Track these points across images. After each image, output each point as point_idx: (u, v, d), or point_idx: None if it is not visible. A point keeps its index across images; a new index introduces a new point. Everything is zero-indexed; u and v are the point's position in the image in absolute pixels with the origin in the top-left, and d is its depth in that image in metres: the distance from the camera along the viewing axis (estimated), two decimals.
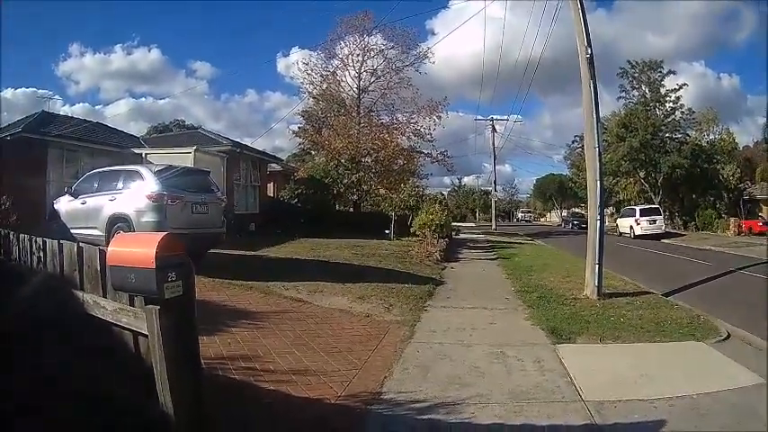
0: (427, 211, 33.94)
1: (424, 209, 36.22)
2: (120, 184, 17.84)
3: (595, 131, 18.10)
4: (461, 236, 54.56)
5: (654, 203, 63.77)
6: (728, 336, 13.08)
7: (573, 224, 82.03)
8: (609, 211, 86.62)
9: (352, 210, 53.86)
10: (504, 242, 47.96)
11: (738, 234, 56.25)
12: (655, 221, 53.75)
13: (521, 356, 11.11)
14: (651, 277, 23.28)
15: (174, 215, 16.81)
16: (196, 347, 5.46)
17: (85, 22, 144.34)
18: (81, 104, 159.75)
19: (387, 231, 41.09)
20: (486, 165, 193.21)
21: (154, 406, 5.12)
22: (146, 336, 5.16)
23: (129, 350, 5.54)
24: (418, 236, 32.29)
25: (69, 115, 42.15)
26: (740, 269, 27.21)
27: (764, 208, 66.35)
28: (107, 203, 17.47)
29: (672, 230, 60.64)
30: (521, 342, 12.31)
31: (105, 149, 31.80)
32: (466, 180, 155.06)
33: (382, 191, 48.79)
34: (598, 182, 18.04)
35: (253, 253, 24.34)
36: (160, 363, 5.00)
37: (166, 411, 5.04)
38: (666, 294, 18.72)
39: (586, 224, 68.16)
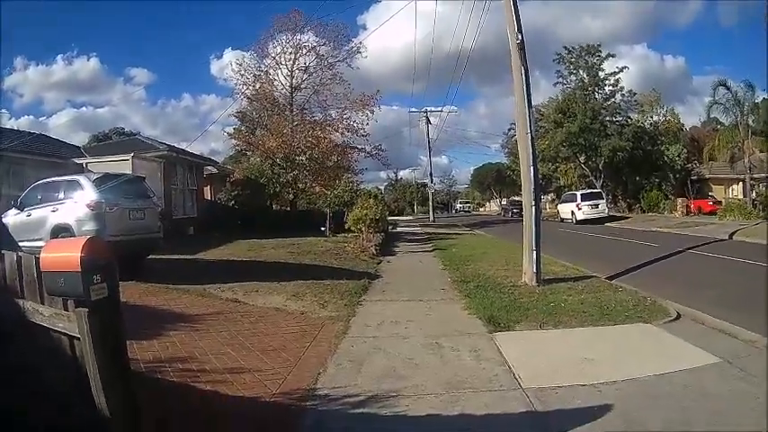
0: (361, 206, 33.68)
1: (358, 204, 35.97)
2: (61, 195, 18.11)
3: (528, 117, 18.03)
4: (398, 229, 54.94)
5: (595, 188, 64.04)
6: (678, 316, 13.10)
7: (513, 212, 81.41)
8: (549, 197, 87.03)
9: (288, 209, 53.29)
10: (441, 233, 48.32)
11: (687, 214, 56.93)
12: (597, 206, 54.11)
13: (457, 346, 11.07)
14: (594, 261, 23.45)
15: (113, 222, 17.18)
16: (124, 348, 5.54)
17: (28, 34, 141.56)
18: (26, 117, 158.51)
19: (323, 228, 40.87)
20: (422, 157, 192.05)
21: (92, 407, 5.17)
22: (79, 338, 5.22)
23: (67, 354, 5.56)
24: (354, 231, 32.66)
25: (15, 128, 41.51)
26: (689, 248, 27.59)
27: (714, 187, 67.04)
28: (50, 214, 17.72)
29: (616, 214, 61.37)
30: (457, 332, 12.27)
31: (49, 161, 31.38)
32: (402, 173, 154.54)
33: (318, 188, 48.44)
34: (532, 167, 18.04)
35: (190, 257, 24.08)
36: (92, 364, 5.07)
37: (102, 411, 5.10)
38: (610, 278, 18.82)
39: None
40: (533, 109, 18.94)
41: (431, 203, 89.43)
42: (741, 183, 60.24)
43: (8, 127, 42.27)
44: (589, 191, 59.47)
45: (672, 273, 20.93)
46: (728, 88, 54.40)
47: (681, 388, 8.36)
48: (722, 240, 30.55)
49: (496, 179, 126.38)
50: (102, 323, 5.07)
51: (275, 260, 24.30)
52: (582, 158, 71.47)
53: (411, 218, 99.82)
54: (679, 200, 61.86)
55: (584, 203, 54.11)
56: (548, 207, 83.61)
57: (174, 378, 8.92)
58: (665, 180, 68.65)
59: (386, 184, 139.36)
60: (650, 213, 62.90)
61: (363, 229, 31.02)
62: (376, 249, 29.37)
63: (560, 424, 7.24)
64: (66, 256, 5.01)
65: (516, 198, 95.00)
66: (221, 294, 16.01)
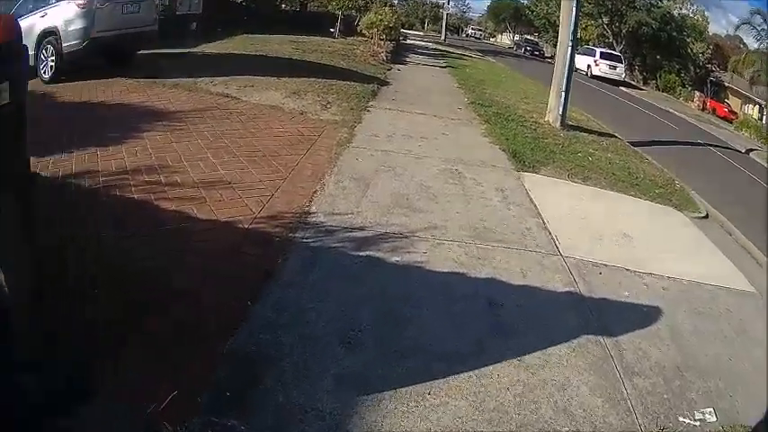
0: (376, 12, 31.99)
1: (372, 10, 34.12)
2: (51, 0, 16.16)
3: None
4: (409, 41, 51.45)
5: (615, 51, 62.16)
6: (707, 215, 11.73)
7: (526, 49, 78.01)
8: None
9: (298, 9, 50.48)
10: (453, 53, 45.01)
11: (702, 110, 54.96)
12: (615, 67, 51.58)
13: (480, 180, 9.80)
14: (613, 120, 21.65)
15: (103, 18, 15.64)
16: (24, 183, 3.61)
17: None
18: None
19: (332, 30, 38.83)
20: None
21: None
22: None
23: None
24: (365, 36, 30.80)
25: None
26: (709, 145, 25.32)
27: (731, 97, 65.70)
28: (38, 21, 15.86)
29: (631, 81, 59.33)
30: (479, 162, 10.96)
31: None
32: None
33: None
34: (574, 7, 16.97)
35: (188, 50, 21.89)
36: None
37: None
38: (633, 144, 17.33)
39: (539, 52, 67.30)
40: None
41: (444, 22, 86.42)
42: (757, 106, 58.94)
43: None
44: (609, 51, 56.74)
45: (693, 163, 18.95)
46: (766, 20, 53.07)
47: (724, 311, 7.08)
48: (738, 152, 28.43)
49: (513, 15, 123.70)
50: None
51: (279, 55, 22.14)
52: (606, 20, 69.32)
53: (421, 34, 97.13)
54: (697, 93, 59.99)
55: (602, 61, 51.44)
56: None
57: (134, 194, 7.35)
58: (684, 69, 67.11)
59: None
60: (665, 93, 60.74)
61: (375, 33, 29.11)
62: (387, 56, 27.26)
63: (607, 321, 6.03)
64: None
65: (529, 37, 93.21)
66: (212, 89, 14.36)
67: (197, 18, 33.52)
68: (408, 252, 6.46)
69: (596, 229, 8.60)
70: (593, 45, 62.99)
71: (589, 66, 50.16)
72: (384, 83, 19.35)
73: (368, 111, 13.94)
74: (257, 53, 22.15)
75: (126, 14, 16.43)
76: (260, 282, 5.43)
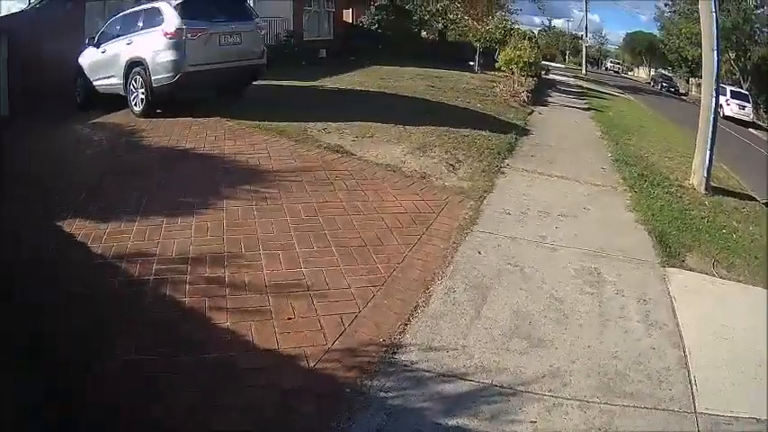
0: (514, 47, 30.37)
1: (510, 44, 32.66)
2: (139, 25, 15.76)
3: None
4: (551, 76, 49.14)
5: (742, 89, 59.56)
6: None
7: (662, 85, 75.77)
8: (694, 80, 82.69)
9: (436, 38, 48.79)
10: (594, 90, 43.28)
11: None
12: (744, 107, 49.59)
13: (621, 284, 7.90)
14: (749, 174, 19.91)
15: (196, 50, 14.73)
16: None
17: None
18: None
19: (471, 63, 37.73)
20: (575, 10, 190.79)
21: None
22: None
23: None
24: (504, 71, 28.98)
25: None
26: None
27: None
28: (125, 48, 15.66)
29: (759, 123, 56.78)
30: (621, 253, 9.06)
31: None
32: (555, 23, 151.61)
33: (469, 21, 42.68)
34: (714, 52, 15.30)
35: (309, 84, 20.76)
36: None
37: None
38: None
39: (674, 88, 64.97)
40: None
41: (584, 56, 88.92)
42: None
43: None
44: (738, 90, 54.83)
45: None
46: None
47: None
48: None
49: (648, 49, 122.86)
50: None
51: (409, 94, 20.68)
52: (732, 55, 66.83)
53: (562, 66, 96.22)
54: None
55: (732, 101, 49.27)
56: (693, 90, 79.54)
57: (186, 296, 6.24)
58: None
59: (539, 29, 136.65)
60: None
61: (515, 71, 27.77)
62: (527, 96, 24.89)
63: None
64: None
65: (665, 72, 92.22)
66: (323, 138, 12.84)
67: (326, 45, 33.52)
68: (512, 420, 4.86)
69: (737, 358, 6.85)
70: (722, 82, 61.07)
71: (721, 106, 47.99)
72: (524, 131, 17.70)
73: (502, 173, 12.28)
74: (385, 90, 20.84)
75: (225, 46, 15.58)
76: None
